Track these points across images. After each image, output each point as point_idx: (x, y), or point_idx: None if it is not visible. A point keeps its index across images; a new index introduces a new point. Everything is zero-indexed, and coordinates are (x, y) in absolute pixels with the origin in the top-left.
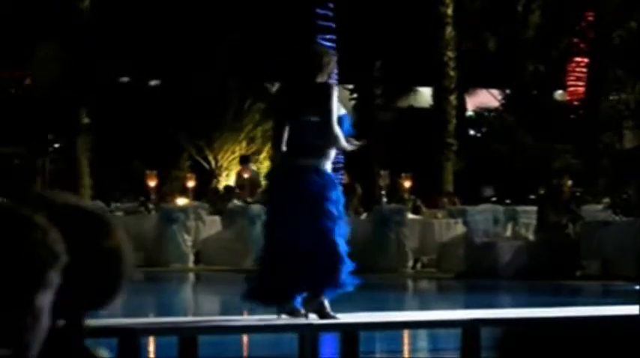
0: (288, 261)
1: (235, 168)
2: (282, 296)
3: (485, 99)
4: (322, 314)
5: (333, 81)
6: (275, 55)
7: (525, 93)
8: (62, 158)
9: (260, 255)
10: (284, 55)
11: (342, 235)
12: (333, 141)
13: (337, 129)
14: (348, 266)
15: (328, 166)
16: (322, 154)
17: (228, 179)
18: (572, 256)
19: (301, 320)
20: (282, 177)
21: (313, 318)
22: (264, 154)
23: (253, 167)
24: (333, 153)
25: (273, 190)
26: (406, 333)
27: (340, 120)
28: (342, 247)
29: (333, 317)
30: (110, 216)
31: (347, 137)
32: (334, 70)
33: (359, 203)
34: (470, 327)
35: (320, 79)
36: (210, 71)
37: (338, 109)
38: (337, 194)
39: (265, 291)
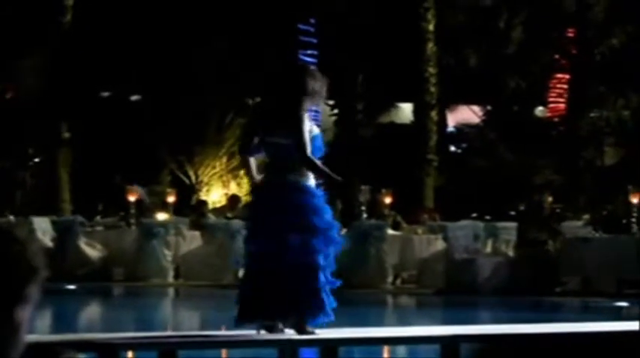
0: (265, 281)
1: (216, 183)
2: (260, 315)
3: (466, 115)
4: (300, 329)
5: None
6: (256, 71)
7: (506, 109)
8: (42, 172)
9: (242, 273)
10: (275, 71)
11: (327, 252)
12: (307, 166)
13: (310, 162)
14: (324, 296)
15: (312, 181)
16: (303, 170)
17: (208, 194)
18: (552, 272)
19: (280, 336)
20: (265, 193)
21: (291, 333)
22: (244, 170)
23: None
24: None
25: (256, 206)
26: (386, 349)
27: (313, 139)
28: (323, 272)
29: (311, 333)
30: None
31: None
32: (324, 94)
33: (339, 218)
34: (449, 343)
35: (309, 102)
36: (191, 86)
37: (312, 131)
38: (322, 208)
39: (245, 310)
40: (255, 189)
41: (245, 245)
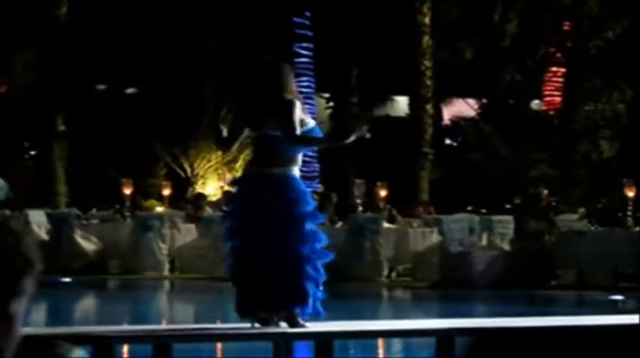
0: (253, 274)
1: (211, 176)
2: (250, 309)
3: (461, 108)
4: (292, 322)
5: (310, 89)
6: (243, 67)
7: (502, 102)
8: (38, 165)
9: (229, 267)
10: (247, 69)
11: (313, 244)
12: (301, 149)
13: (300, 138)
14: (314, 287)
15: (296, 172)
16: (289, 162)
17: (203, 187)
18: (547, 266)
19: (274, 329)
20: (249, 185)
21: (284, 326)
22: (239, 163)
23: None
24: (300, 159)
25: (239, 198)
26: (381, 342)
27: (309, 133)
28: (311, 262)
29: (303, 326)
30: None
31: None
32: (293, 85)
33: (334, 212)
34: (444, 337)
35: (284, 94)
36: (186, 79)
37: (302, 122)
38: (308, 200)
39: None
40: (237, 182)
41: (229, 240)
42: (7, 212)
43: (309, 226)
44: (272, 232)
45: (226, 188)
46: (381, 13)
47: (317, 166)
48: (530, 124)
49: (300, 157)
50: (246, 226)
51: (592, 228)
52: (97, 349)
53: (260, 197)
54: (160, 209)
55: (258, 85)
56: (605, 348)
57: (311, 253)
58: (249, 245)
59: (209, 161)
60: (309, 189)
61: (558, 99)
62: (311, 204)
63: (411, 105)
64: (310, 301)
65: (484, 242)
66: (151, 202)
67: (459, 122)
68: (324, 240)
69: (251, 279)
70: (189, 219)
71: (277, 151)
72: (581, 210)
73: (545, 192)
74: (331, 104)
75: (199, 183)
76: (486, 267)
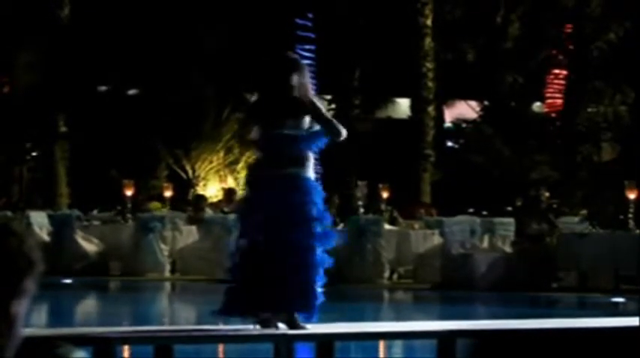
0: (260, 274)
1: (213, 178)
2: (249, 308)
3: (463, 110)
4: (292, 324)
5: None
6: (253, 65)
7: (503, 104)
8: (39, 166)
9: (232, 266)
10: (260, 65)
11: (321, 247)
12: (339, 136)
13: (337, 124)
14: (318, 293)
15: (311, 173)
16: (303, 163)
17: (205, 189)
18: (549, 268)
19: (275, 331)
20: (264, 186)
21: (283, 328)
22: (241, 164)
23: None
24: (312, 160)
25: (254, 199)
26: (382, 344)
27: (317, 134)
28: (317, 268)
29: (303, 328)
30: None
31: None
32: (308, 79)
33: (336, 213)
34: (446, 338)
35: (297, 88)
36: (188, 80)
37: (312, 123)
38: (320, 202)
39: (235, 303)
40: (252, 182)
41: (238, 238)
42: (9, 213)
43: (318, 229)
44: (283, 235)
45: (228, 186)
46: (383, 15)
47: (319, 168)
48: (531, 126)
49: (312, 158)
50: (261, 226)
51: (593, 230)
52: (97, 350)
53: (276, 198)
54: (163, 211)
55: (277, 82)
56: (607, 350)
57: (322, 256)
58: (257, 246)
59: (211, 163)
60: (321, 189)
61: (560, 101)
62: (322, 206)
63: (413, 107)
64: (316, 309)
65: (485, 244)
66: (155, 204)
67: (460, 124)
68: (332, 242)
69: (259, 279)
70: (191, 220)
71: (293, 152)
72: (583, 212)
73: (547, 194)
74: (333, 106)
75: (201, 184)
76: (487, 269)
